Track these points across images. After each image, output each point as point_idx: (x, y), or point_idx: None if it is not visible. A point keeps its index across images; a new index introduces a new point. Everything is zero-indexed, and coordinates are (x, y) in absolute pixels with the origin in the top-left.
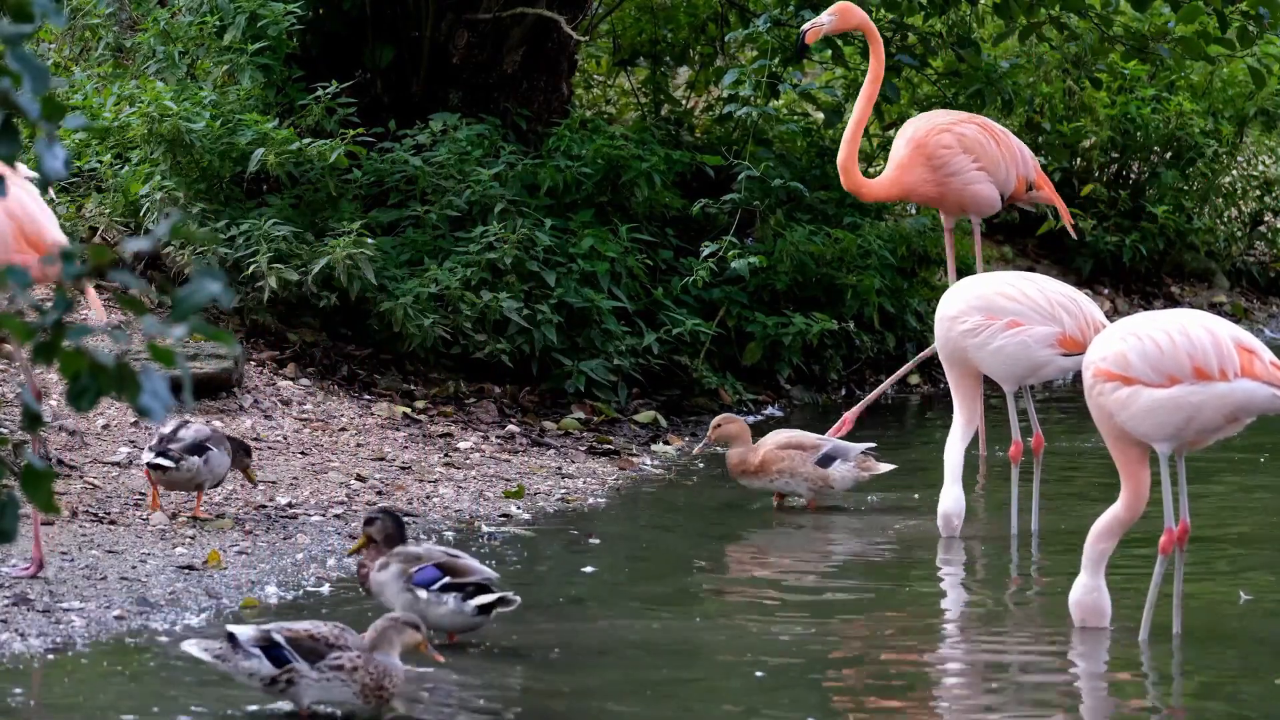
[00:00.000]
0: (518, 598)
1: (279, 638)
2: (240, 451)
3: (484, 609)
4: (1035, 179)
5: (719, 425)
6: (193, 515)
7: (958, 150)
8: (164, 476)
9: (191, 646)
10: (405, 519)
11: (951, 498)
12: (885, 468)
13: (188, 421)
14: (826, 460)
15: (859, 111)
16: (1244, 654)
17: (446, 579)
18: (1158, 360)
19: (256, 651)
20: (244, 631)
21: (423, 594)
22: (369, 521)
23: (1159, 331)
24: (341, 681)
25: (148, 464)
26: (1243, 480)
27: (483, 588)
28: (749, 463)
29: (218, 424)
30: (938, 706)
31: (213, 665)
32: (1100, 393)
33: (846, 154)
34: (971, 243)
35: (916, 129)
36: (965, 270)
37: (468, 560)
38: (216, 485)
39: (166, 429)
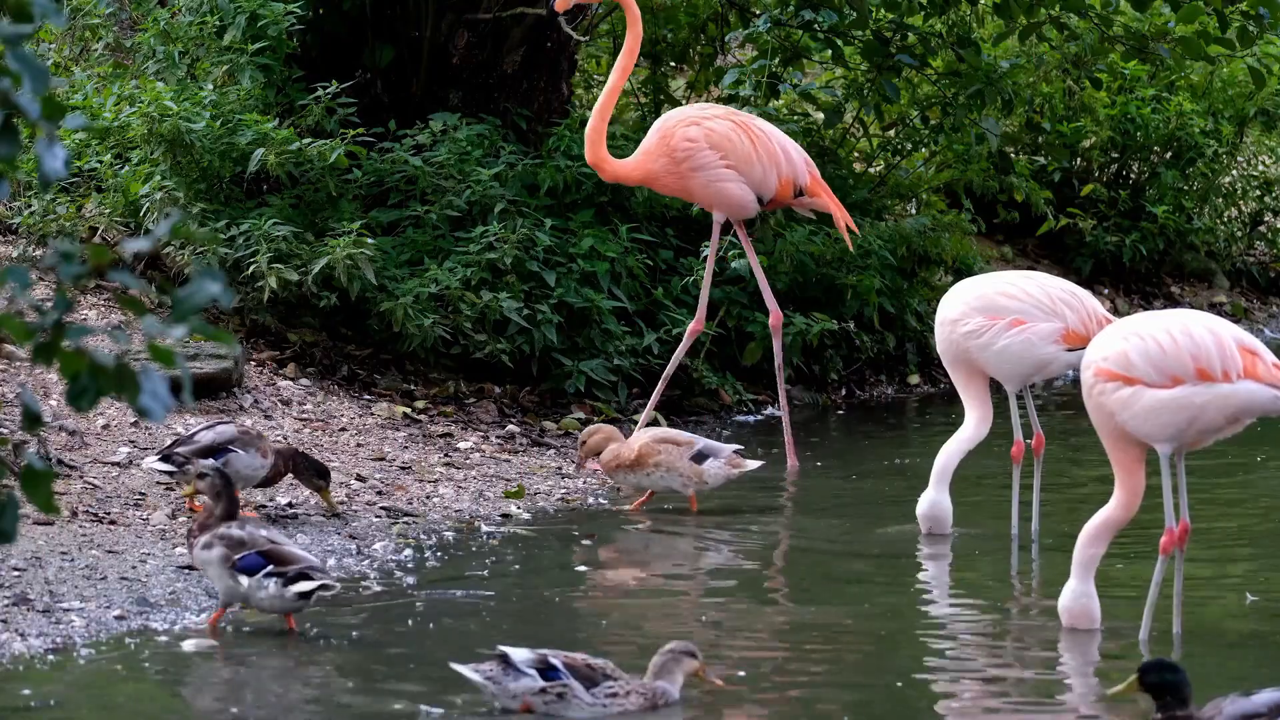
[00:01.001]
0: (337, 584)
1: (556, 661)
2: (313, 473)
3: (304, 595)
4: (807, 184)
5: (584, 441)
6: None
7: (702, 145)
8: (172, 480)
9: (463, 669)
10: (406, 517)
11: (930, 501)
12: (753, 464)
13: (215, 424)
14: (700, 457)
15: (612, 81)
16: (1249, 655)
17: (270, 567)
18: (1160, 360)
19: (531, 672)
20: (519, 654)
21: (245, 580)
22: (200, 476)
23: (1161, 332)
24: (617, 708)
25: (149, 467)
26: (1243, 479)
27: (304, 575)
28: (623, 457)
29: (275, 437)
30: (938, 706)
31: (481, 686)
32: (1101, 392)
33: (595, 125)
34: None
35: (667, 119)
36: (965, 271)
37: (290, 548)
38: (244, 489)
39: (188, 431)
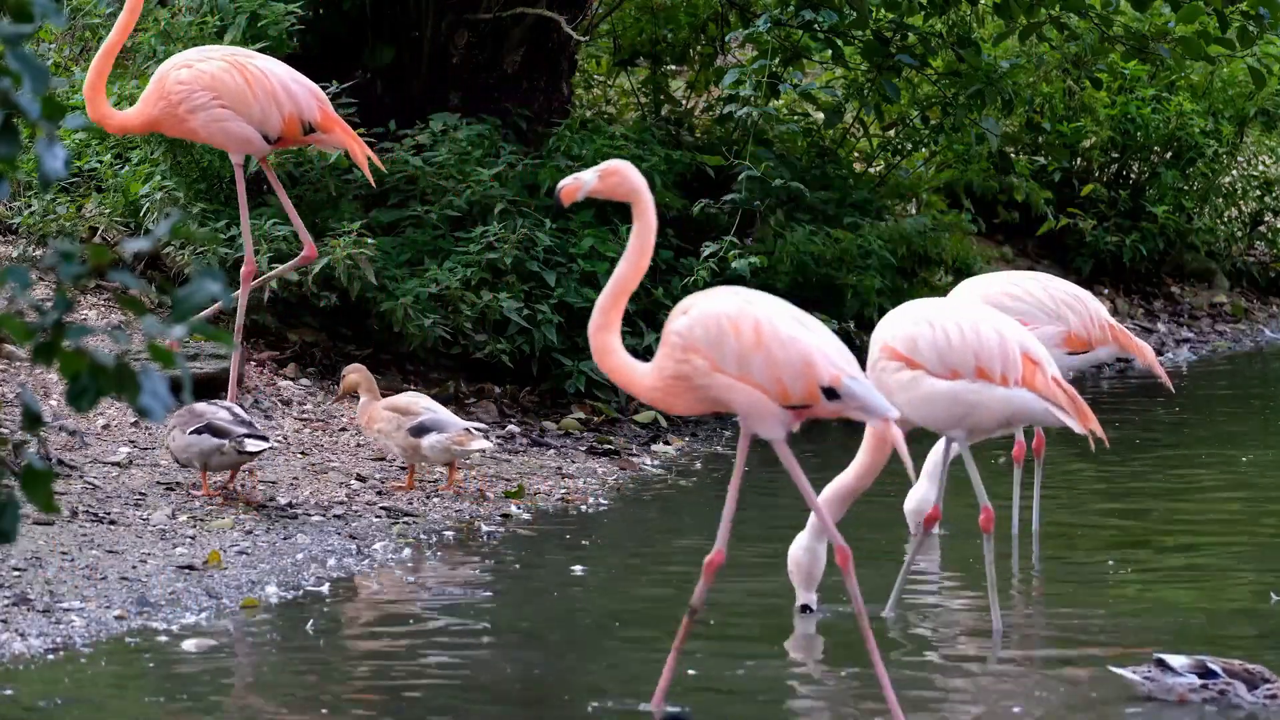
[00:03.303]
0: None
1: (1215, 666)
2: None
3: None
4: (317, 120)
5: (345, 375)
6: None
7: (195, 87)
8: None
9: (1122, 671)
10: (406, 517)
11: (918, 496)
12: (482, 444)
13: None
14: (421, 430)
15: (111, 38)
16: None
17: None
18: (945, 351)
19: (1189, 676)
20: (1176, 660)
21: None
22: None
23: (952, 324)
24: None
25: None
26: (1243, 478)
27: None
28: (360, 417)
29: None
30: (938, 706)
31: (1137, 685)
32: (883, 370)
33: (92, 82)
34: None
35: (163, 65)
36: (965, 271)
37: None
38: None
39: (226, 414)
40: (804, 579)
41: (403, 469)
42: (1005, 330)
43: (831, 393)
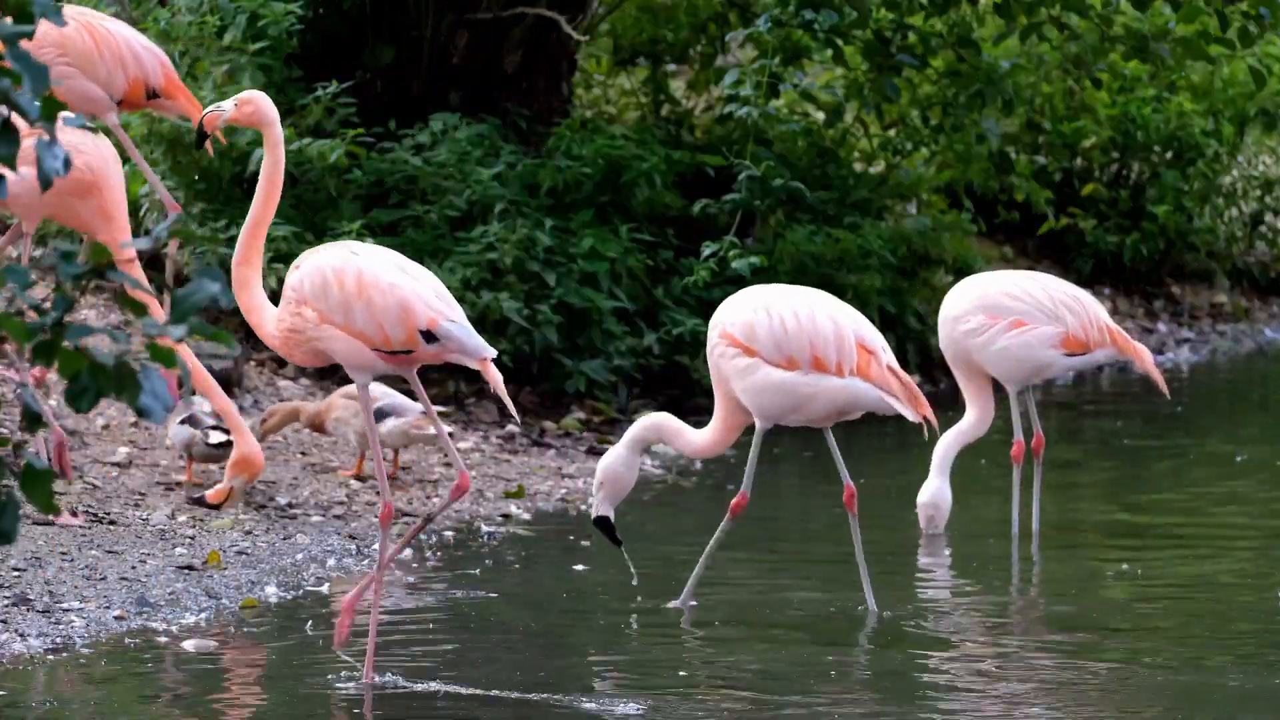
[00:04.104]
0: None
1: None
2: None
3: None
4: (161, 85)
5: (265, 420)
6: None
7: (44, 44)
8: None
9: None
10: (406, 517)
11: (932, 489)
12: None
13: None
14: (379, 415)
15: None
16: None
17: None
18: (782, 340)
19: None
20: None
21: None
22: None
23: (789, 312)
24: None
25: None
26: (1244, 478)
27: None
28: (315, 416)
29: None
30: (939, 706)
31: None
32: (721, 355)
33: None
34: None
35: None
36: (965, 271)
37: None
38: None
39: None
40: (610, 491)
41: (403, 468)
42: (841, 319)
43: (430, 336)
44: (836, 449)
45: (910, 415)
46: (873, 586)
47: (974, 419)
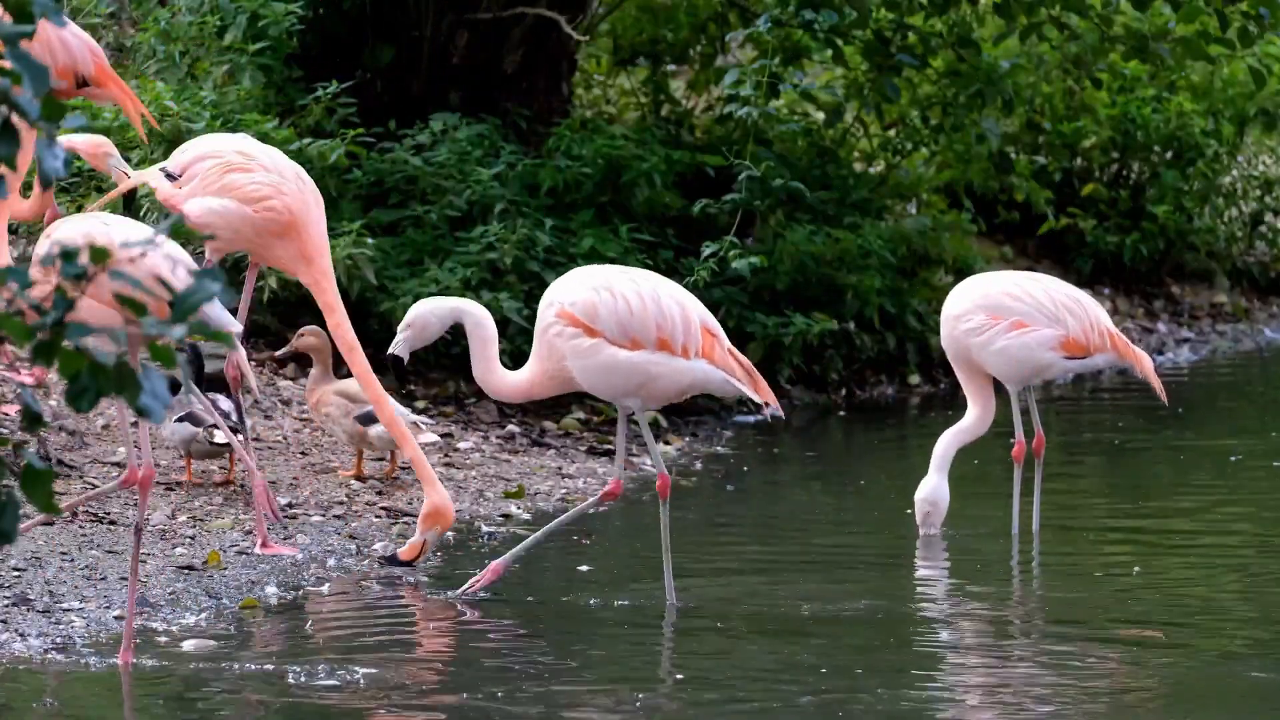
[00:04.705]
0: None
1: None
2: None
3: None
4: (92, 74)
5: (301, 335)
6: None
7: None
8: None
9: None
10: (406, 517)
11: (930, 486)
12: (427, 437)
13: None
14: (368, 419)
15: None
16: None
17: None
18: (626, 321)
19: None
20: None
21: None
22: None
23: (633, 293)
24: None
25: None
26: (1244, 477)
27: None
28: (310, 395)
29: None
30: (939, 706)
31: None
32: (558, 334)
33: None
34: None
35: None
36: (965, 271)
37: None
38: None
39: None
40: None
41: (403, 468)
42: (685, 301)
43: None
44: (650, 436)
45: (754, 397)
46: (675, 579)
47: (975, 417)
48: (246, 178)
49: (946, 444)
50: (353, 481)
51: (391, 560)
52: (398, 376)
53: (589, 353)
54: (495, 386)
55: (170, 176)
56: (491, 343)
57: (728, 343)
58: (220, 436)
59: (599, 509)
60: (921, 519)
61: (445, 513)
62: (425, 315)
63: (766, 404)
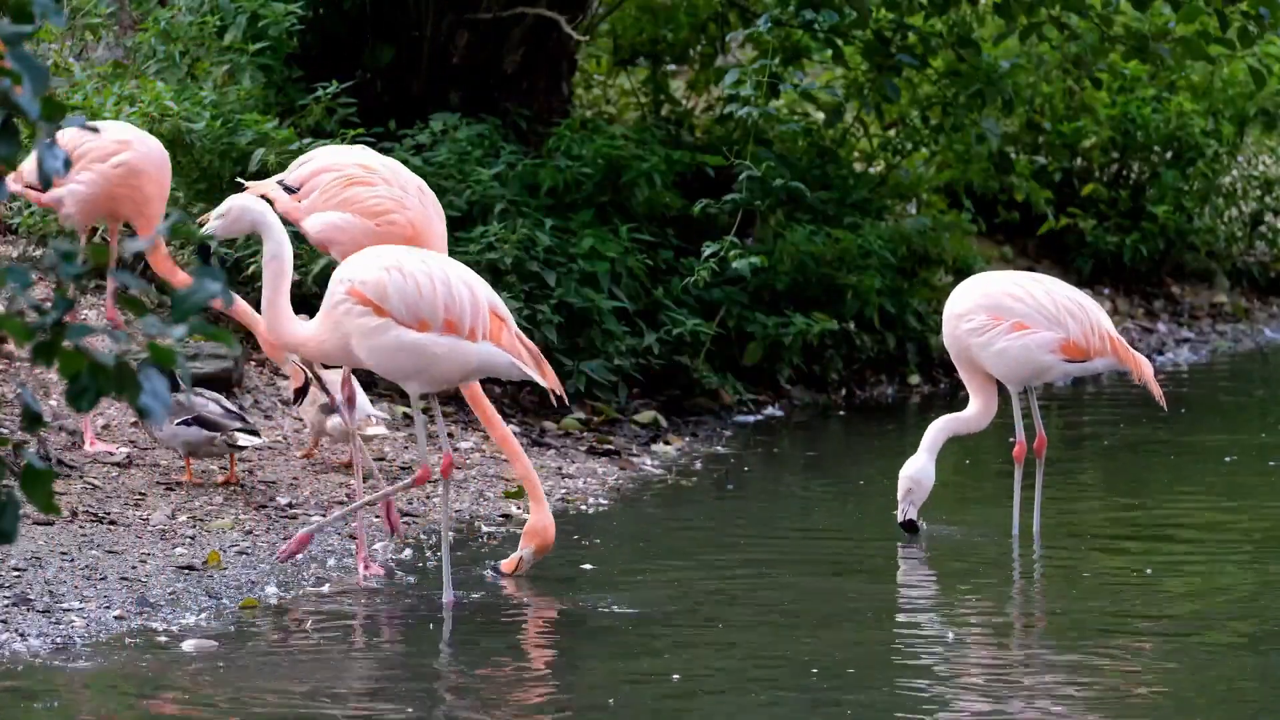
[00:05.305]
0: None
1: None
2: None
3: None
4: None
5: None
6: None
7: None
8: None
9: None
10: (406, 517)
11: (917, 465)
12: (377, 430)
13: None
14: (329, 410)
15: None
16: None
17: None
18: (415, 302)
19: None
20: None
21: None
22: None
23: (422, 274)
24: None
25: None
26: (1244, 477)
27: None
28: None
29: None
30: (938, 706)
31: None
32: (347, 312)
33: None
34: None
35: None
36: (965, 271)
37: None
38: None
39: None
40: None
41: (404, 469)
42: (473, 283)
43: None
44: (437, 419)
45: (541, 381)
46: (451, 577)
47: (975, 411)
48: (368, 191)
49: (941, 428)
50: (353, 481)
51: (496, 570)
52: (202, 262)
53: (376, 332)
54: (279, 331)
55: (288, 189)
56: (286, 278)
57: (515, 327)
58: (246, 440)
59: (410, 491)
60: (902, 495)
61: (543, 532)
62: (241, 209)
63: (552, 390)
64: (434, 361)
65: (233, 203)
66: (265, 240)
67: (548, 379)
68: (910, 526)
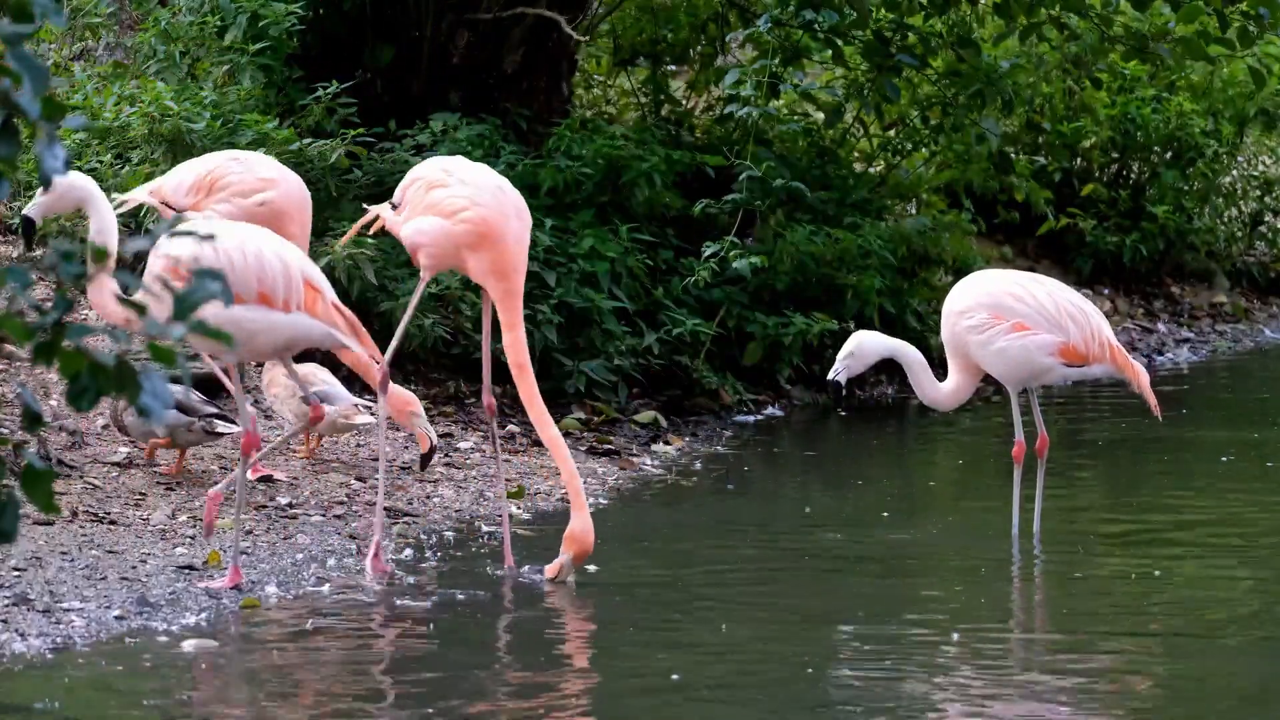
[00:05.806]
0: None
1: None
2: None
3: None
4: None
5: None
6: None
7: None
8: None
9: None
10: (406, 517)
11: (871, 336)
12: (363, 419)
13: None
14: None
15: None
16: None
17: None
18: (228, 275)
19: None
20: None
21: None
22: None
23: (235, 247)
24: None
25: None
26: (1244, 478)
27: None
28: (265, 377)
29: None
30: (938, 706)
31: None
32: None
33: None
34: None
35: None
36: (965, 271)
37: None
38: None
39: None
40: None
41: (404, 469)
42: (287, 256)
43: None
44: (240, 388)
45: (358, 349)
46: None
47: (948, 389)
48: (445, 192)
49: (918, 358)
50: (353, 481)
51: (540, 574)
52: (25, 243)
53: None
54: (103, 304)
55: (394, 207)
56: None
57: (333, 296)
58: (221, 427)
59: (251, 470)
60: (841, 354)
61: (581, 538)
62: (67, 185)
63: (376, 360)
64: (249, 335)
65: (58, 180)
66: (91, 217)
67: (366, 347)
68: (836, 388)
